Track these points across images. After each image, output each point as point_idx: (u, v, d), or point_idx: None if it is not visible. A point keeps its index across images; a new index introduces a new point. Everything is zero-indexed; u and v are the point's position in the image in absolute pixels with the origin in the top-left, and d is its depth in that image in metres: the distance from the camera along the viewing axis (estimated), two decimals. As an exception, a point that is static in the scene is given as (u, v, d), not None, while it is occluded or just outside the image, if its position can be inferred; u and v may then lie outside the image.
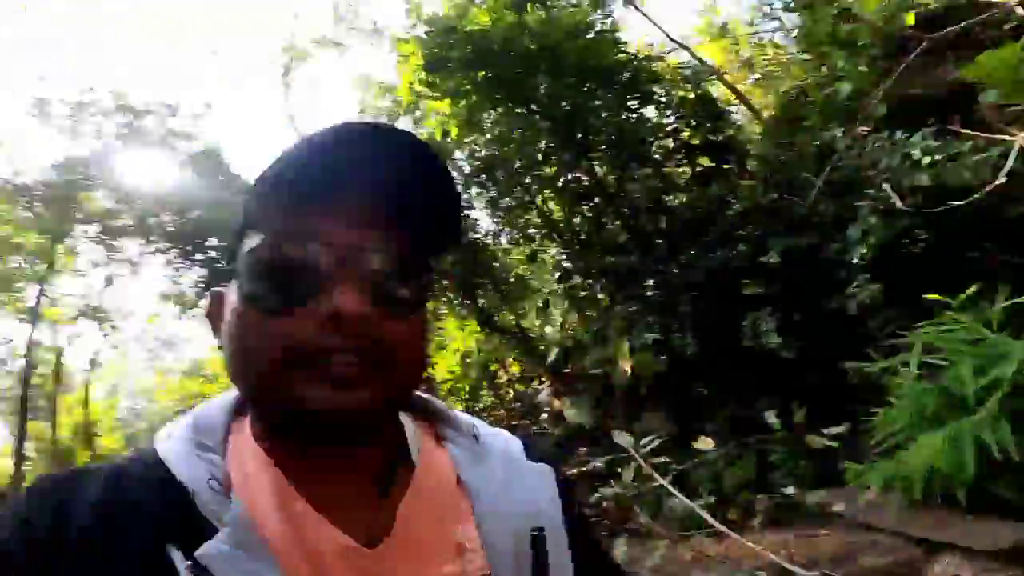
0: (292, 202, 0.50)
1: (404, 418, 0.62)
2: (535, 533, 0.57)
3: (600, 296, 7.09)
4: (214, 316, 0.57)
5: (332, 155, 0.49)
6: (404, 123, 7.61)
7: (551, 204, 8.31)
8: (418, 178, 0.52)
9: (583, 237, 7.55)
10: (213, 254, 9.57)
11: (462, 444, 0.62)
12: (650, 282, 6.05)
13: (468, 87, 6.47)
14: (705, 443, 2.60)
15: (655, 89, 6.13)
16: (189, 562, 0.45)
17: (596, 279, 6.95)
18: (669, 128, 6.21)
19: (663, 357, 5.21)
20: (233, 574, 0.46)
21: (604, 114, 6.14)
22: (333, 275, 0.49)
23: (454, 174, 0.53)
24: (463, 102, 6.60)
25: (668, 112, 6.07)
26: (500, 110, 6.72)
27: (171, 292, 10.62)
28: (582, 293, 7.31)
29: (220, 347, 0.55)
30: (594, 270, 6.98)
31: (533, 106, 6.37)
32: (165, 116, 10.19)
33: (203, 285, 10.10)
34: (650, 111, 6.41)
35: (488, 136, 7.35)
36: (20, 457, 7.73)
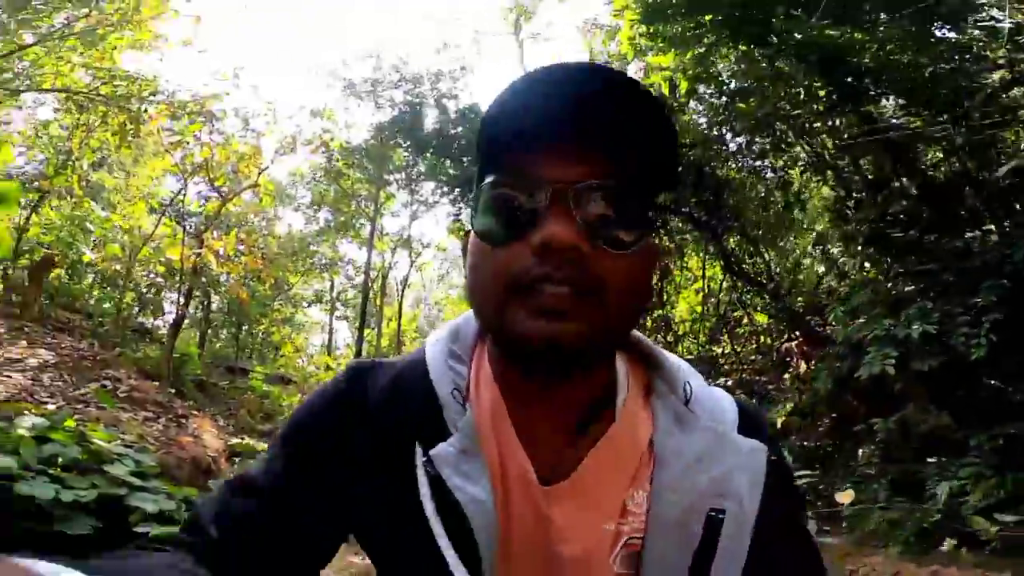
0: (512, 143, 0.52)
1: (619, 362, 0.61)
2: (712, 514, 0.54)
3: (866, 265, 6.12)
4: (464, 250, 0.60)
5: (545, 96, 0.50)
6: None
7: (825, 139, 7.18)
8: (631, 116, 0.51)
9: (857, 194, 6.46)
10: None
11: (669, 403, 0.59)
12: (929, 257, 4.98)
13: (696, 32, 5.94)
14: (846, 496, 2.34)
15: (992, 13, 4.63)
16: (425, 458, 0.55)
17: (863, 243, 6.02)
18: (1000, 60, 4.68)
19: (925, 357, 4.43)
20: (453, 473, 0.54)
21: (889, 46, 4.98)
22: (548, 210, 0.50)
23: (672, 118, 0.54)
24: (690, 52, 6.11)
25: (1001, 38, 4.56)
26: (742, 50, 6.01)
27: (454, 227, 12.86)
28: (841, 259, 6.42)
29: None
30: (862, 231, 6.05)
31: (781, 46, 5.55)
32: (434, 82, 11.93)
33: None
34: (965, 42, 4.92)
35: (727, 83, 6.68)
36: (359, 355, 10.79)
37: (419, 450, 0.55)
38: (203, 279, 11.72)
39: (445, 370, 0.59)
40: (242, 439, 7.56)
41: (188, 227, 10.79)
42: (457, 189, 11.52)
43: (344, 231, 14.27)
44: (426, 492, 0.54)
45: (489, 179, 0.54)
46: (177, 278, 9.88)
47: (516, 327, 0.51)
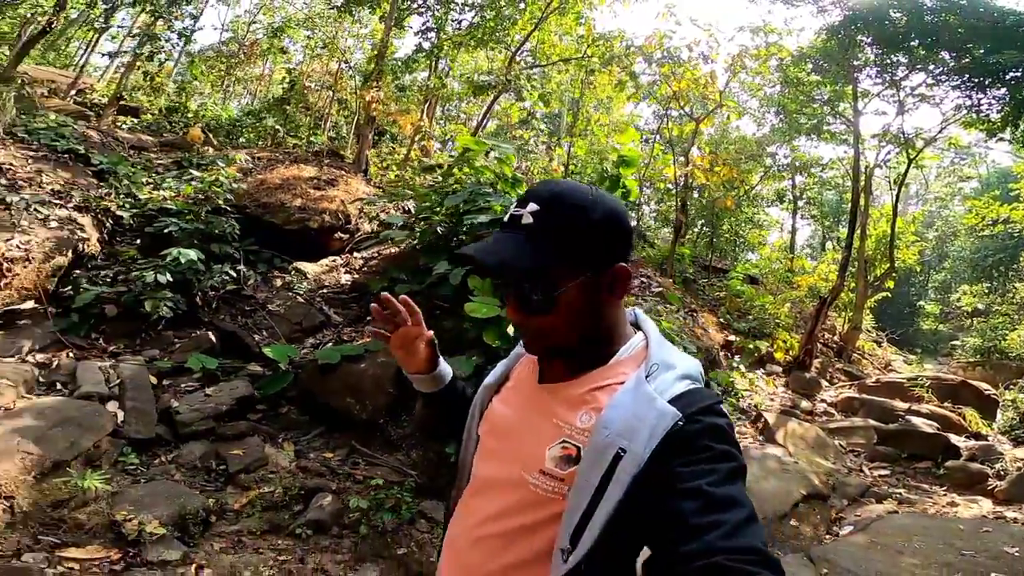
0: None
1: (637, 341, 0.97)
2: (619, 451, 0.80)
3: None
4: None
5: (491, 247, 0.90)
6: None
7: None
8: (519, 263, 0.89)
9: None
10: (1012, 79, 8.91)
11: (639, 373, 0.88)
12: None
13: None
14: None
15: None
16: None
17: None
18: None
19: None
20: (491, 375, 1.14)
21: None
22: (509, 299, 0.94)
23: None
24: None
25: None
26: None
27: (967, 119, 10.74)
28: None
29: None
30: None
31: None
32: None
33: (1004, 104, 9.58)
34: None
35: None
36: (844, 266, 10.60)
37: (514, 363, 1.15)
38: (694, 191, 13.76)
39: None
40: (726, 334, 8.72)
41: (671, 148, 12.93)
42: (967, 78, 9.45)
43: (809, 132, 13.81)
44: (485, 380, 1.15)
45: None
46: (673, 191, 12.23)
47: (524, 346, 1.01)
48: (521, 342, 1.07)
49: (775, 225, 22.88)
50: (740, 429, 5.79)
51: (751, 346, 8.08)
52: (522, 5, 10.96)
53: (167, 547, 3.15)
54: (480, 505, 0.99)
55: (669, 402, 0.83)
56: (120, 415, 3.92)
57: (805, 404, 7.07)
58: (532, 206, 0.88)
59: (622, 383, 0.89)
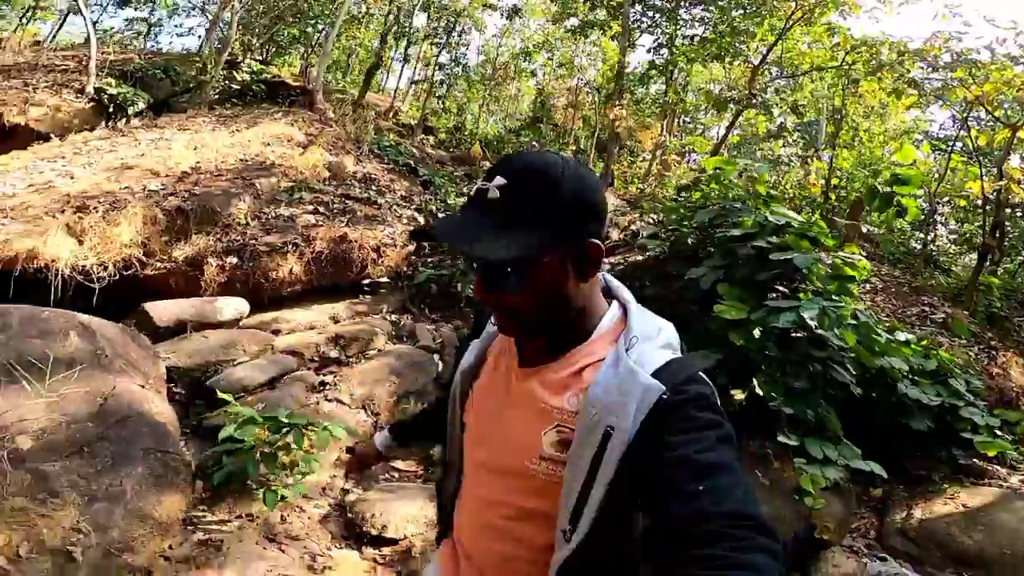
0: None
1: (611, 316, 0.96)
2: (608, 428, 0.81)
3: None
4: None
5: (457, 226, 0.89)
6: None
7: None
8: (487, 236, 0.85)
9: None
10: None
11: (618, 347, 0.88)
12: None
13: None
14: None
15: None
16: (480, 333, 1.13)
17: None
18: None
19: None
20: (468, 352, 1.11)
21: None
22: (476, 277, 0.92)
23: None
24: None
25: None
26: None
27: None
28: None
29: None
30: None
31: None
32: None
33: None
34: None
35: None
36: None
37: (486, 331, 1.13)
38: (1015, 210, 11.67)
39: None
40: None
41: (976, 159, 11.11)
42: None
43: None
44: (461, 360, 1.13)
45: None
46: (979, 210, 10.50)
47: (498, 327, 1.01)
48: (493, 320, 1.08)
49: None
50: (1027, 482, 5.07)
51: (1069, 394, 6.72)
52: (758, 19, 10.74)
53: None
54: (479, 493, 1.03)
55: (652, 374, 0.83)
56: (440, 365, 5.53)
57: None
58: (499, 180, 0.85)
59: (603, 359, 0.89)
